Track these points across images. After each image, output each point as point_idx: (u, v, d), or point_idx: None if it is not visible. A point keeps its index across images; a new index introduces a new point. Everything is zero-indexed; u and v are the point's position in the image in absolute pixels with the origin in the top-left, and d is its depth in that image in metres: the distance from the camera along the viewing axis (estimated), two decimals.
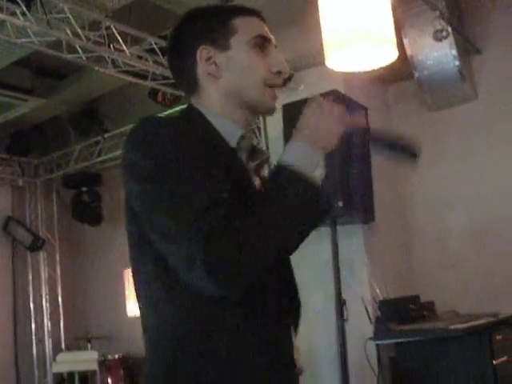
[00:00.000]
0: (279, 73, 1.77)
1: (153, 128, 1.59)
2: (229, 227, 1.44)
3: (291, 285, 1.76)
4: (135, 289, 1.70)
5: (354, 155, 4.98)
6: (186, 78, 1.82)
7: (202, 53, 1.75)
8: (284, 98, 4.18)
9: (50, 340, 8.85)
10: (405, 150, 1.72)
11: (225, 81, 1.75)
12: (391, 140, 1.74)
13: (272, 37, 1.81)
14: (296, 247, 1.71)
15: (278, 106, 1.92)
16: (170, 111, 7.30)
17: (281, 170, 1.56)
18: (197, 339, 1.56)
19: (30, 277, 8.92)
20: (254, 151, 1.82)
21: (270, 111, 1.82)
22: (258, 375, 1.58)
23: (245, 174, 1.71)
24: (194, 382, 1.55)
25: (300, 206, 1.52)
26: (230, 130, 1.73)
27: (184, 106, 1.84)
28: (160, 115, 1.74)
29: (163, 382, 1.58)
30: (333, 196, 4.66)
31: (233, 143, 1.72)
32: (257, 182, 1.77)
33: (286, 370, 1.67)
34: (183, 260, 1.47)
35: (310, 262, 5.05)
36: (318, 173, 1.57)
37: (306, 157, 1.57)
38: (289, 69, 1.80)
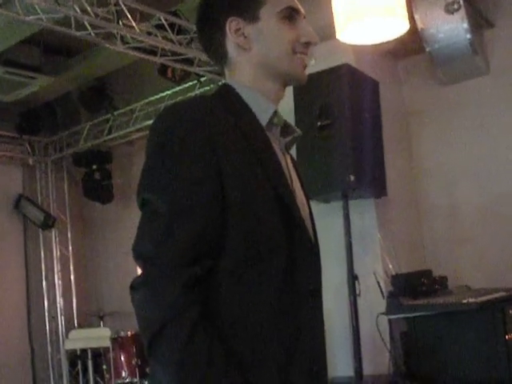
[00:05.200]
0: (308, 43, 1.77)
1: (171, 131, 1.59)
2: (187, 313, 1.47)
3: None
4: None
5: (365, 130, 4.96)
6: (215, 50, 1.81)
7: (231, 24, 1.74)
8: None
9: (63, 317, 8.91)
10: None
11: (254, 53, 1.75)
12: None
13: (301, 8, 1.79)
14: None
15: None
16: (193, 92, 7.29)
17: None
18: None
19: (42, 255, 8.96)
20: (286, 127, 1.82)
21: (301, 80, 1.82)
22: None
23: (271, 155, 1.70)
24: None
25: None
26: (262, 106, 1.74)
27: (220, 84, 1.83)
28: (189, 100, 1.73)
29: None
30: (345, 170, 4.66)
31: (264, 120, 1.72)
32: (284, 161, 1.77)
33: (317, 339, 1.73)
34: (146, 276, 1.51)
35: (322, 237, 5.03)
36: None
37: None
38: (317, 39, 1.79)
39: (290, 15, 1.75)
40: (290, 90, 4.63)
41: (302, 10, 1.80)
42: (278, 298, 1.59)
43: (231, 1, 1.76)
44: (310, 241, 1.73)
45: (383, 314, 4.87)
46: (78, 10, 5.30)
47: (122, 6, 5.57)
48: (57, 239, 9.03)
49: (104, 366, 7.25)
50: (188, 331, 1.45)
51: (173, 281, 1.47)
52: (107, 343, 6.88)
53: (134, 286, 1.52)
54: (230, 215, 1.55)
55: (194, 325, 1.46)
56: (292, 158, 1.90)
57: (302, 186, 1.87)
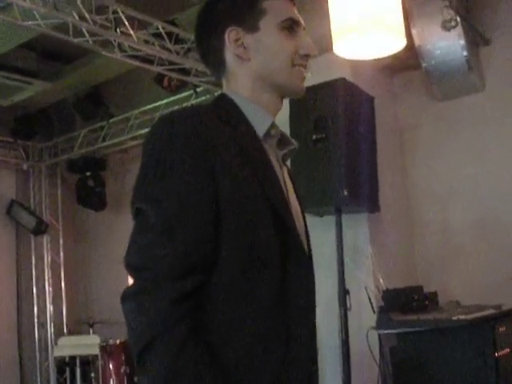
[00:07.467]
0: (307, 56, 1.76)
1: (166, 141, 1.57)
2: (180, 329, 1.45)
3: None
4: None
5: (360, 144, 4.96)
6: (213, 60, 1.79)
7: (231, 34, 1.72)
8: None
9: (52, 324, 8.88)
10: None
11: (253, 63, 1.73)
12: None
13: (301, 19, 1.79)
14: None
15: None
16: (192, 101, 7.29)
17: None
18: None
19: (34, 261, 8.93)
20: (283, 139, 1.81)
21: (299, 93, 1.81)
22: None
23: (268, 166, 1.69)
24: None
25: None
26: (260, 118, 1.72)
27: (218, 94, 1.82)
28: (186, 110, 1.72)
29: None
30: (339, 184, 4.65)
31: (262, 131, 1.71)
32: (280, 173, 1.76)
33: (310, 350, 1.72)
34: (136, 287, 1.49)
35: (314, 250, 5.03)
36: None
37: None
38: (316, 52, 1.78)
39: (291, 26, 1.74)
40: (285, 103, 4.62)
41: (302, 22, 1.79)
42: (270, 312, 1.57)
43: (231, 10, 1.74)
44: (304, 253, 1.72)
45: (373, 328, 4.86)
46: (76, 17, 5.30)
47: (120, 13, 5.57)
48: (48, 245, 9.01)
49: (92, 374, 7.24)
50: (176, 347, 1.43)
51: (162, 295, 1.45)
52: (96, 351, 6.86)
53: (124, 298, 1.50)
54: (224, 228, 1.52)
55: (183, 340, 1.44)
56: (289, 170, 1.89)
57: (297, 198, 1.85)
